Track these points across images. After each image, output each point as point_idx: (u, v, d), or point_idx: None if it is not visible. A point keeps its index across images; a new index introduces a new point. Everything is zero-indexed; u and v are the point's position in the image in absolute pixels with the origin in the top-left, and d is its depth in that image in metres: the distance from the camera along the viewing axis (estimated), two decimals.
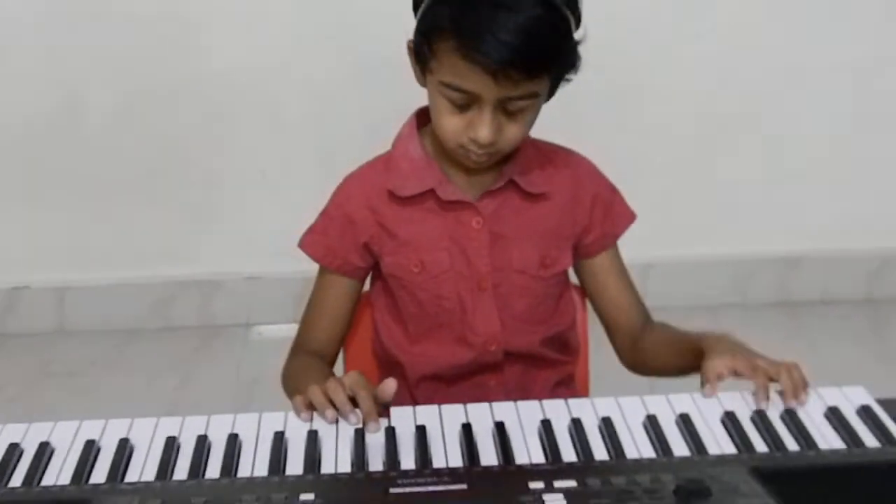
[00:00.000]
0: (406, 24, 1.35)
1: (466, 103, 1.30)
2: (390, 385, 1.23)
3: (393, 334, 1.53)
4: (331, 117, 2.95)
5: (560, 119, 1.43)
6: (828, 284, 3.19)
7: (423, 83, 1.37)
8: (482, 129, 1.30)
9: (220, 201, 3.06)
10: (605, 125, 2.74)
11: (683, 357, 1.37)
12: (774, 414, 1.18)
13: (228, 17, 2.88)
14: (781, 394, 1.22)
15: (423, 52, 1.32)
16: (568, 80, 1.35)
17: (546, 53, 1.26)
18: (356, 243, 1.47)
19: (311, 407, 1.21)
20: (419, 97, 1.43)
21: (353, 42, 2.86)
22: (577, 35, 1.31)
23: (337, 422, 1.18)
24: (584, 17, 1.32)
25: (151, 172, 3.02)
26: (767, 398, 1.21)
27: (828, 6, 2.94)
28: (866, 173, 3.11)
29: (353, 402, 1.21)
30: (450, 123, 1.33)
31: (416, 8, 1.34)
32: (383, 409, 1.21)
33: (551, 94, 1.36)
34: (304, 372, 1.43)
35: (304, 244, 1.51)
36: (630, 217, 1.53)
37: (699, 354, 1.31)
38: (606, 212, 1.51)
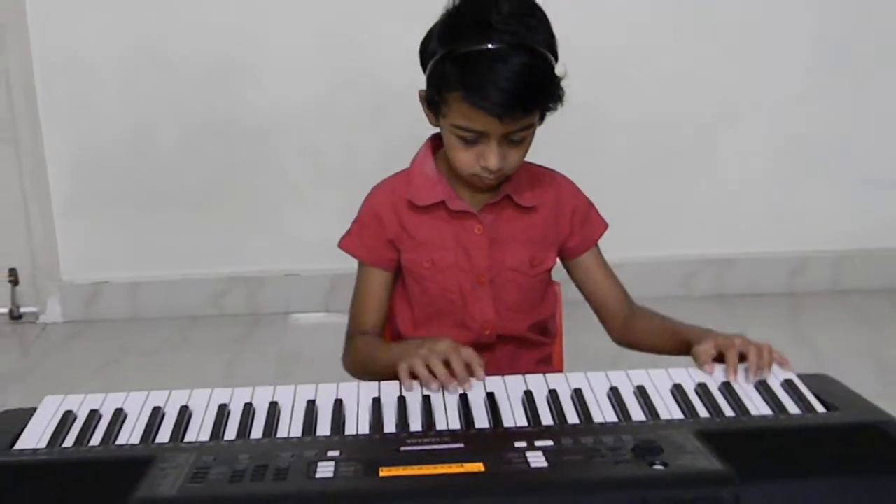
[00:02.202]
0: (414, 70, 1.35)
1: (475, 139, 1.30)
2: (480, 375, 1.20)
3: (405, 318, 1.52)
4: (353, 145, 2.96)
5: (540, 145, 1.42)
6: (756, 280, 3.18)
7: (436, 124, 1.37)
8: (491, 159, 1.30)
9: (264, 212, 3.07)
10: (575, 150, 2.74)
11: (673, 346, 1.36)
12: (713, 386, 1.17)
13: (272, 63, 2.90)
14: (746, 370, 1.20)
15: (435, 101, 1.32)
16: (554, 109, 1.34)
17: (538, 92, 1.27)
18: (385, 239, 1.46)
19: (415, 377, 1.19)
20: (424, 128, 1.43)
21: (372, 84, 2.87)
22: (558, 72, 1.30)
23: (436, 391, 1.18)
24: (566, 61, 1.32)
25: (208, 189, 3.03)
26: (735, 373, 1.19)
27: (762, 50, 2.96)
28: (787, 191, 3.12)
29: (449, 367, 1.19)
30: (463, 157, 1.33)
31: (423, 63, 1.34)
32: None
33: (541, 121, 1.36)
34: (374, 348, 1.42)
35: (344, 246, 1.49)
36: (604, 226, 1.53)
37: (686, 345, 1.30)
38: (584, 222, 1.50)
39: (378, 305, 1.49)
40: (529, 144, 1.36)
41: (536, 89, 1.26)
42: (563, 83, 1.32)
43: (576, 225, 1.49)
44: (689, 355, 1.28)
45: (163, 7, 2.83)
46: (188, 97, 2.92)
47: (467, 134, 1.30)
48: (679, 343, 1.34)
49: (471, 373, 1.19)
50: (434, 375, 1.18)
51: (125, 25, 2.84)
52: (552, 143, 1.48)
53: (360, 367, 1.43)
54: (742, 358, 1.22)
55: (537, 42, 1.26)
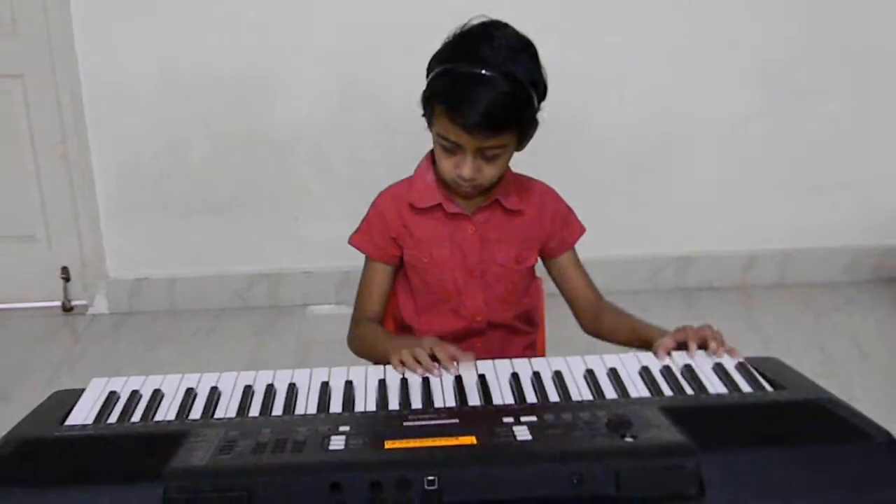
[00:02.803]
0: (413, 94, 1.35)
1: (454, 149, 1.30)
2: (469, 359, 1.20)
3: (407, 306, 1.51)
4: (360, 159, 2.94)
5: (527, 156, 1.42)
6: (713, 276, 3.18)
7: (430, 130, 1.37)
8: (464, 168, 1.30)
9: (283, 218, 3.05)
10: (557, 162, 2.74)
11: (634, 342, 1.36)
12: (676, 368, 1.17)
13: (291, 86, 2.89)
14: (707, 351, 1.20)
15: (426, 111, 1.32)
16: (530, 136, 1.34)
17: (508, 118, 1.26)
18: (389, 237, 1.46)
19: (403, 364, 1.20)
20: (422, 145, 1.43)
21: (377, 106, 2.86)
22: (540, 104, 1.30)
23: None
24: (550, 84, 1.31)
25: (234, 197, 3.02)
26: (694, 350, 1.20)
27: (714, 77, 2.96)
28: (739, 197, 3.11)
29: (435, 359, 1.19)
30: (444, 164, 1.33)
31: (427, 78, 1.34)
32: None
33: (522, 145, 1.35)
34: (374, 334, 1.42)
35: (353, 242, 1.49)
36: (581, 230, 1.52)
37: (646, 343, 1.29)
38: (563, 225, 1.50)
39: (380, 295, 1.49)
40: (505, 162, 1.35)
41: (508, 115, 1.25)
42: (546, 105, 1.31)
43: (556, 228, 1.49)
44: (649, 350, 1.26)
45: (193, 36, 2.83)
46: (217, 116, 2.91)
47: (447, 143, 1.30)
48: (640, 340, 1.34)
49: (455, 360, 1.19)
50: (419, 364, 1.18)
51: (160, 52, 2.84)
52: (538, 155, 1.48)
53: (363, 350, 1.43)
54: (702, 346, 1.22)
55: (520, 74, 1.25)
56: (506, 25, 1.30)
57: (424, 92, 1.32)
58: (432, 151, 1.46)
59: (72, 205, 3.02)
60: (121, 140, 2.94)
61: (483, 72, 1.23)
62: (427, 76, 1.33)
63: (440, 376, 1.16)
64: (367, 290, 1.50)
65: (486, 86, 1.23)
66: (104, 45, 2.83)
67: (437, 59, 1.31)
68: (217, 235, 3.06)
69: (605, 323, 1.47)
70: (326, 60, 2.86)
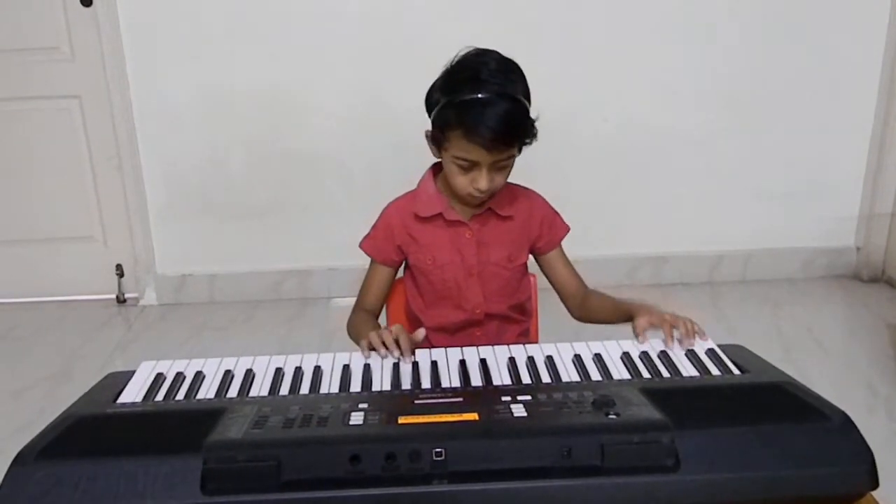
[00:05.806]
0: (421, 115, 1.34)
1: (470, 167, 1.29)
2: (421, 333, 1.22)
3: (416, 302, 1.51)
4: (378, 171, 2.95)
5: (521, 166, 1.41)
6: (684, 273, 3.17)
7: (438, 156, 1.36)
8: (482, 182, 1.29)
9: (311, 221, 3.06)
10: (547, 172, 2.74)
11: (618, 317, 1.35)
12: (653, 354, 1.16)
13: (318, 106, 2.89)
14: (680, 339, 1.19)
15: (438, 138, 1.31)
16: (529, 144, 1.33)
17: (517, 131, 1.26)
18: (394, 245, 1.46)
19: (371, 346, 1.19)
20: (428, 159, 1.42)
21: (391, 125, 2.86)
22: (533, 114, 1.29)
23: (384, 357, 1.17)
24: (544, 106, 1.32)
25: (268, 202, 3.02)
26: (672, 342, 1.18)
27: (686, 97, 2.93)
28: (707, 203, 3.10)
29: (396, 342, 1.17)
30: (460, 181, 1.32)
31: (428, 110, 1.33)
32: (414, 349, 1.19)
33: (519, 152, 1.35)
34: (362, 323, 1.42)
35: (363, 247, 1.50)
36: (566, 230, 1.52)
37: (629, 316, 1.28)
38: (550, 227, 1.49)
39: (378, 292, 1.50)
40: (510, 170, 1.35)
41: (516, 128, 1.25)
42: (541, 124, 1.31)
43: (544, 230, 1.48)
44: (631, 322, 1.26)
45: (231, 61, 2.84)
46: (253, 132, 2.92)
47: (464, 163, 1.29)
48: (623, 315, 1.33)
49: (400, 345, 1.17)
50: (384, 345, 1.17)
51: (202, 75, 2.85)
52: (533, 168, 1.48)
53: (352, 334, 1.42)
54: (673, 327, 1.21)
55: (517, 92, 1.25)
56: (492, 51, 1.30)
57: (435, 122, 1.31)
58: (432, 167, 1.45)
59: (125, 210, 3.03)
60: (167, 153, 2.95)
61: (486, 95, 1.23)
62: (428, 105, 1.32)
63: (397, 358, 1.15)
64: (368, 286, 1.50)
65: (492, 107, 1.22)
66: (152, 69, 2.84)
67: (440, 90, 1.30)
68: (253, 237, 3.07)
69: (590, 307, 1.47)
70: (349, 86, 2.86)
